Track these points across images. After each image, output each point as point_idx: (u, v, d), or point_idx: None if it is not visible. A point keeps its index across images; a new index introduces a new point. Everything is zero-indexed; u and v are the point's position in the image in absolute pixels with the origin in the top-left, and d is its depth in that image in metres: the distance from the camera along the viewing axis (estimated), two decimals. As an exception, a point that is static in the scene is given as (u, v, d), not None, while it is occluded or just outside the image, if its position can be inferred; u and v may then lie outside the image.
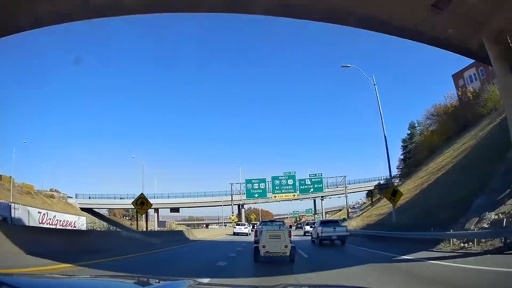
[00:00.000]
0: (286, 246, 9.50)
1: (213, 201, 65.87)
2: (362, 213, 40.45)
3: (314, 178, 54.75)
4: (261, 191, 54.84)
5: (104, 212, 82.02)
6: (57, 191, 69.54)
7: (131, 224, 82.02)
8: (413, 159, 51.35)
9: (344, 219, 66.32)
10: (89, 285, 2.25)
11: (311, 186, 54.06)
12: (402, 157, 60.65)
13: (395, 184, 68.83)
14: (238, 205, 73.00)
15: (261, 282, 7.27)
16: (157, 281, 2.60)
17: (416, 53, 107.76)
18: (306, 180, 54.63)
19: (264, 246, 9.49)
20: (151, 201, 70.02)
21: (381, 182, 66.48)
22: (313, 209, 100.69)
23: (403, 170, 61.76)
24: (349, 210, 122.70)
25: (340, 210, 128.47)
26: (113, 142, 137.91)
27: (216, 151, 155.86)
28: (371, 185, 67.48)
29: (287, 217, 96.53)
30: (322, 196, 63.03)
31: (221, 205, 66.24)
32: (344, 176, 59.30)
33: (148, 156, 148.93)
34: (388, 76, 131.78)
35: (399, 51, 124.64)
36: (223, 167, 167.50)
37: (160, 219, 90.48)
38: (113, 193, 74.49)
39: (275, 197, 55.25)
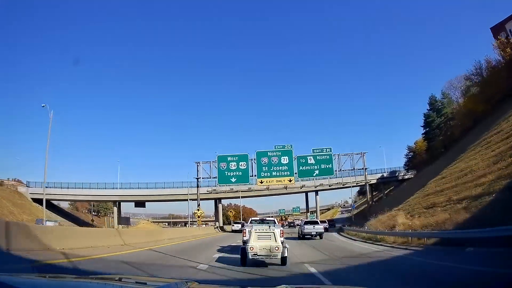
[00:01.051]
0: (277, 248, 8.74)
1: (184, 194, 52.34)
2: (401, 207, 27.91)
3: (320, 155, 37.09)
4: (240, 173, 37.92)
5: (65, 205, 71.11)
6: (19, 181, 61.43)
7: (92, 221, 68.81)
8: (443, 136, 40.03)
9: (348, 219, 54.89)
10: (87, 286, 2.31)
11: (315, 168, 37.11)
12: (423, 137, 50.30)
13: (400, 177, 59.21)
14: (215, 199, 61.59)
15: None
16: (151, 281, 3.02)
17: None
18: (308, 158, 37.26)
19: (252, 248, 8.64)
20: (111, 192, 53.81)
21: (385, 175, 60.19)
22: (300, 207, 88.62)
23: (415, 159, 52.21)
24: (340, 208, 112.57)
25: (328, 209, 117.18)
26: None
27: (191, 136, 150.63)
28: (373, 178, 58.72)
29: (272, 216, 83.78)
30: (329, 185, 50.01)
31: (188, 200, 52.63)
32: (364, 153, 39.96)
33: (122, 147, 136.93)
34: (403, 52, 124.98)
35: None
36: (202, 158, 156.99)
37: (139, 217, 76.59)
38: (80, 182, 60.14)
39: (261, 182, 38.13)
